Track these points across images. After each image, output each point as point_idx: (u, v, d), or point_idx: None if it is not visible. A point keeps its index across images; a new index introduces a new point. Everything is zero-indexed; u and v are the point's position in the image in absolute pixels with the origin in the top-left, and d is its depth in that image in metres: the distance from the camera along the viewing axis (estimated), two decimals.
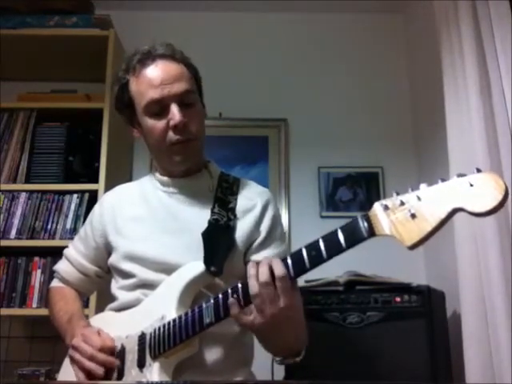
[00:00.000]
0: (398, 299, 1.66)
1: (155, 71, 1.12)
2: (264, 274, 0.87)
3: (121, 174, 2.31)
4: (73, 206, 2.05)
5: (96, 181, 2.06)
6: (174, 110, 1.10)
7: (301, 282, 1.05)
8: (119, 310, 1.16)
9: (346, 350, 1.62)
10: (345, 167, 2.45)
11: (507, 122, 1.49)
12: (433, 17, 1.91)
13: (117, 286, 1.18)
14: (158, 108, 1.11)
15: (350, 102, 2.54)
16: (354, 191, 2.43)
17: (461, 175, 0.72)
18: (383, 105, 2.54)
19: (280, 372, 1.69)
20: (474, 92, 1.56)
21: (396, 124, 2.52)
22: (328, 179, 2.44)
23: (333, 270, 1.63)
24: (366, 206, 2.37)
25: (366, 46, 2.62)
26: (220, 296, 0.94)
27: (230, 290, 0.93)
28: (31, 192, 2.07)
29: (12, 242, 1.99)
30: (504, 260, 1.42)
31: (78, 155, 2.15)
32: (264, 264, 0.88)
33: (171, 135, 1.11)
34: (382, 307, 1.66)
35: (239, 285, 0.92)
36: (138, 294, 1.12)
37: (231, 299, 0.91)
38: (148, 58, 1.14)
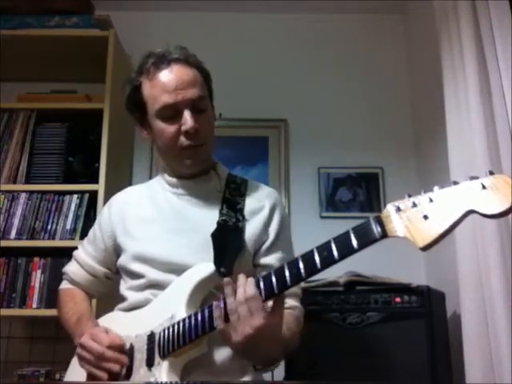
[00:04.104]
0: (397, 300, 1.66)
1: (169, 76, 1.13)
2: (240, 294, 0.89)
3: (121, 174, 2.31)
4: (73, 207, 2.05)
5: (96, 181, 2.06)
6: (187, 115, 1.11)
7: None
8: (128, 310, 1.16)
9: (346, 351, 1.62)
10: (345, 168, 2.44)
11: (507, 121, 1.48)
12: (433, 17, 1.91)
13: (126, 286, 1.19)
14: (171, 112, 1.12)
15: (350, 102, 2.54)
16: (354, 192, 2.42)
17: (473, 177, 0.72)
18: (383, 105, 2.54)
19: (280, 372, 1.69)
20: (473, 92, 1.56)
21: (396, 124, 2.52)
22: (328, 180, 2.44)
23: (333, 271, 1.62)
24: (366, 206, 2.37)
25: (366, 46, 2.62)
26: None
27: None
28: (31, 192, 2.06)
29: (12, 242, 1.99)
30: (504, 260, 1.42)
31: (78, 156, 2.15)
32: (241, 284, 0.90)
33: (182, 140, 1.13)
34: (382, 308, 1.66)
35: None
36: (147, 294, 1.13)
37: (217, 312, 0.92)
38: (163, 61, 1.14)
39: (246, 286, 0.89)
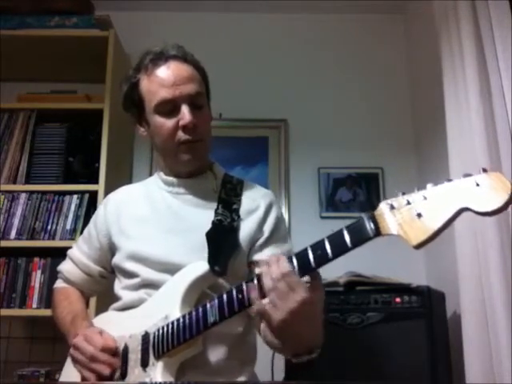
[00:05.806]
0: (398, 300, 1.66)
1: (167, 71, 1.14)
2: (275, 272, 0.85)
3: (121, 174, 2.31)
4: (73, 207, 2.05)
5: (96, 181, 2.06)
6: (185, 110, 1.12)
7: None
8: (123, 309, 1.16)
9: (346, 351, 1.62)
10: (345, 168, 2.44)
11: (507, 121, 1.48)
12: (433, 17, 1.91)
13: (120, 285, 1.19)
14: (169, 108, 1.13)
15: (350, 102, 2.54)
16: (354, 192, 2.42)
17: (467, 175, 0.71)
18: (383, 105, 2.54)
19: (280, 372, 1.69)
20: (473, 92, 1.56)
21: (396, 124, 2.52)
22: (328, 180, 2.44)
23: (333, 271, 1.63)
24: (366, 206, 2.37)
25: (366, 46, 2.62)
26: (224, 295, 0.94)
27: (234, 290, 0.93)
28: (31, 192, 2.07)
29: (12, 242, 1.99)
30: (504, 261, 1.42)
31: (78, 156, 2.15)
32: (273, 262, 0.87)
33: (180, 134, 1.13)
34: (382, 308, 1.66)
35: (244, 285, 0.91)
36: (141, 293, 1.13)
37: (250, 283, 0.89)
38: (160, 58, 1.15)
39: (279, 263, 0.86)
